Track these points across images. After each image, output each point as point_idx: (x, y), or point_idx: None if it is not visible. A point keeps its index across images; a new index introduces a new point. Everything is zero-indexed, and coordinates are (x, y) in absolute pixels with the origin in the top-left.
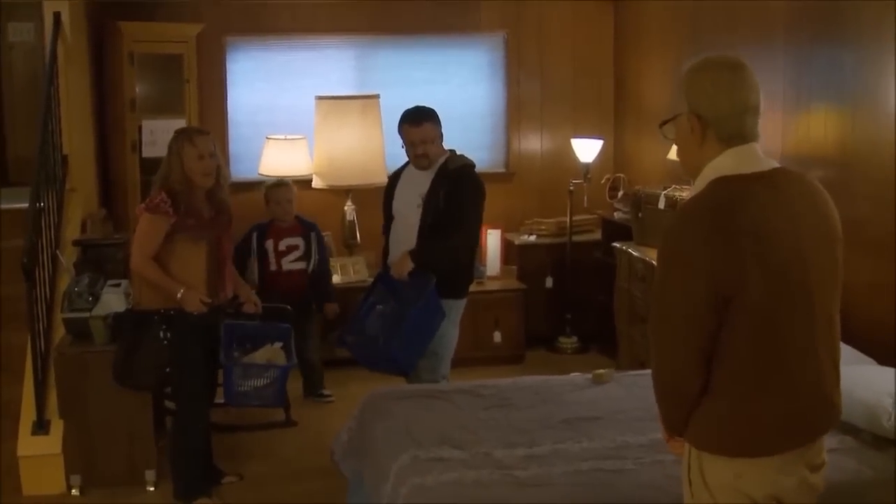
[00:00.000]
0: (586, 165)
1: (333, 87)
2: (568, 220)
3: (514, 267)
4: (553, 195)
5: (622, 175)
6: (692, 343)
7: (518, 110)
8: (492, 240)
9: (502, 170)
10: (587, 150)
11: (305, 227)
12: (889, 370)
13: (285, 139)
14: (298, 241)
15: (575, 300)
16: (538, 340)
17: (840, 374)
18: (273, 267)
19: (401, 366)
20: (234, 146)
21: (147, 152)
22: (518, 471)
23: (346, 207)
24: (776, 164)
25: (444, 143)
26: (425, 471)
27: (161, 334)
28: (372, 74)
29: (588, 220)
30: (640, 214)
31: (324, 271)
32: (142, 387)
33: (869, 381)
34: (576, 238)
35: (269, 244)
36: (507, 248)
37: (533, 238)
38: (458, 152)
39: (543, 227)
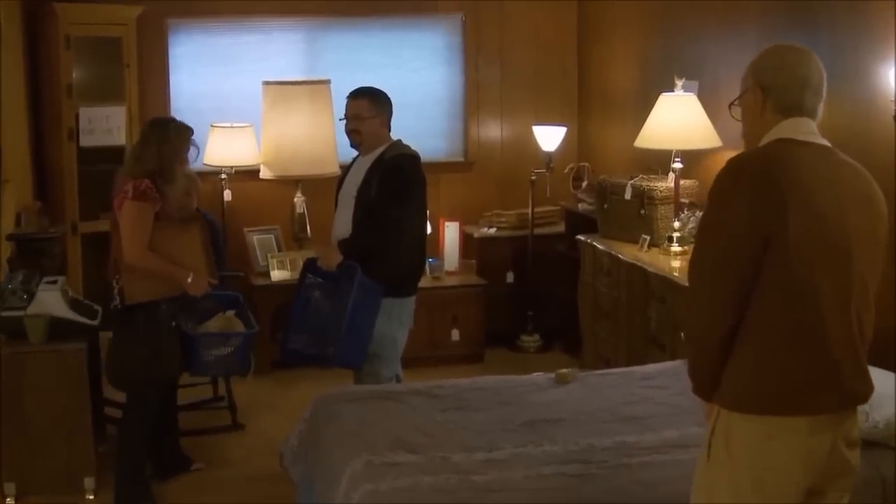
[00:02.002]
0: (549, 154)
1: (281, 71)
2: (530, 211)
3: (473, 261)
4: (514, 185)
5: (586, 164)
6: (728, 284)
7: (477, 96)
8: (450, 233)
9: (460, 159)
10: (550, 137)
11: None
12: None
13: (231, 127)
14: None
15: (537, 296)
16: (498, 338)
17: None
18: None
19: (350, 361)
20: None
21: (85, 141)
22: (477, 476)
23: (295, 199)
24: (827, 143)
25: (391, 132)
26: (379, 476)
27: (174, 323)
28: (322, 58)
29: (551, 212)
30: (605, 205)
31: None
32: (172, 379)
33: None
34: (538, 231)
35: None
36: (466, 241)
37: (493, 231)
38: (404, 142)
39: (504, 220)
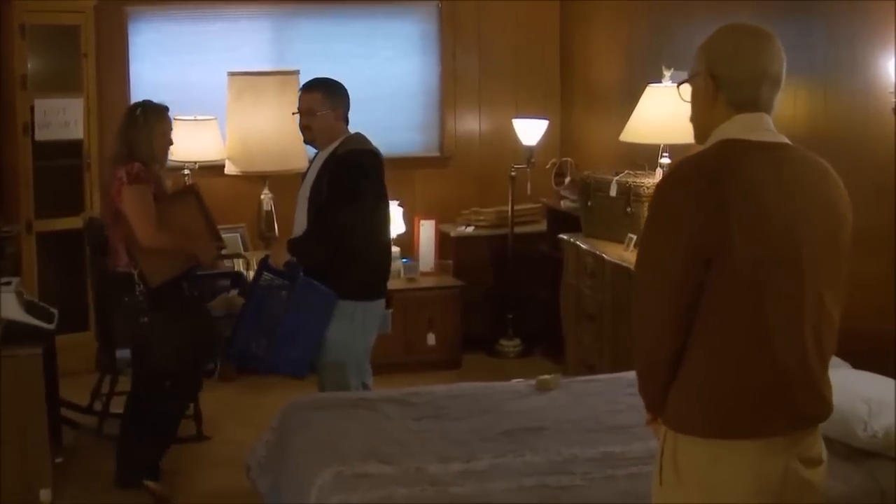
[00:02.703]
0: (530, 149)
1: (248, 62)
2: (509, 209)
3: (450, 262)
4: (493, 182)
5: (569, 159)
6: (671, 303)
7: (454, 87)
8: (425, 231)
9: (436, 154)
10: (531, 131)
11: None
12: (864, 374)
13: (194, 120)
14: None
15: (517, 298)
16: (476, 343)
17: (828, 365)
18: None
19: (286, 368)
20: None
21: (41, 135)
22: (454, 487)
23: (262, 196)
24: (786, 140)
25: (351, 125)
26: (350, 488)
27: (196, 293)
28: (290, 48)
29: (532, 210)
30: (589, 203)
31: None
32: (212, 351)
33: (841, 386)
34: (518, 229)
35: None
36: (443, 240)
37: (471, 230)
38: (365, 135)
39: (482, 218)
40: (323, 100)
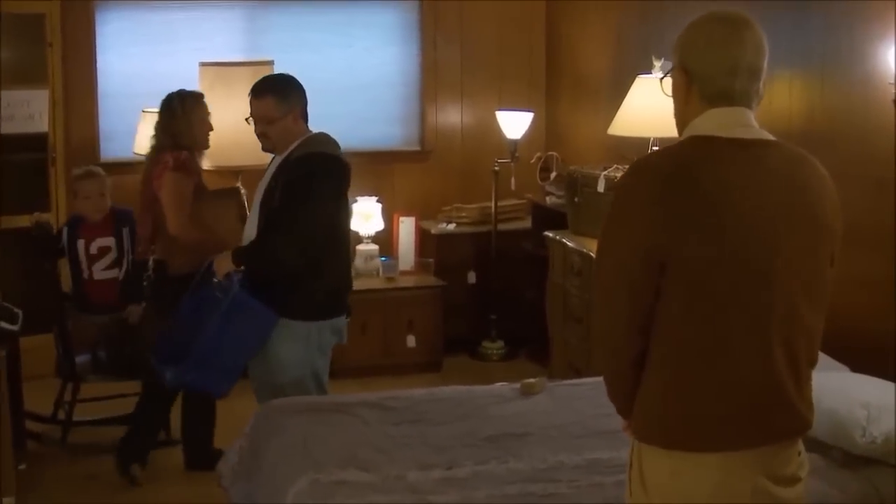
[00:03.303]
0: (514, 142)
1: (220, 51)
2: (493, 205)
3: (431, 260)
4: (475, 177)
5: (555, 153)
6: (630, 305)
7: (435, 78)
8: (405, 229)
9: (416, 148)
10: (515, 124)
11: (118, 222)
12: (863, 377)
13: None
14: (110, 241)
15: (501, 298)
16: (458, 345)
17: (807, 377)
18: (85, 274)
19: (200, 385)
20: (104, 121)
21: (4, 128)
22: (435, 496)
23: None
24: (767, 136)
25: (311, 124)
26: (327, 496)
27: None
28: (264, 37)
29: (516, 206)
30: (576, 199)
31: (137, 273)
32: None
33: (839, 389)
34: (502, 226)
35: (81, 245)
36: (423, 238)
37: (452, 227)
38: (325, 136)
39: (464, 214)
40: (277, 105)
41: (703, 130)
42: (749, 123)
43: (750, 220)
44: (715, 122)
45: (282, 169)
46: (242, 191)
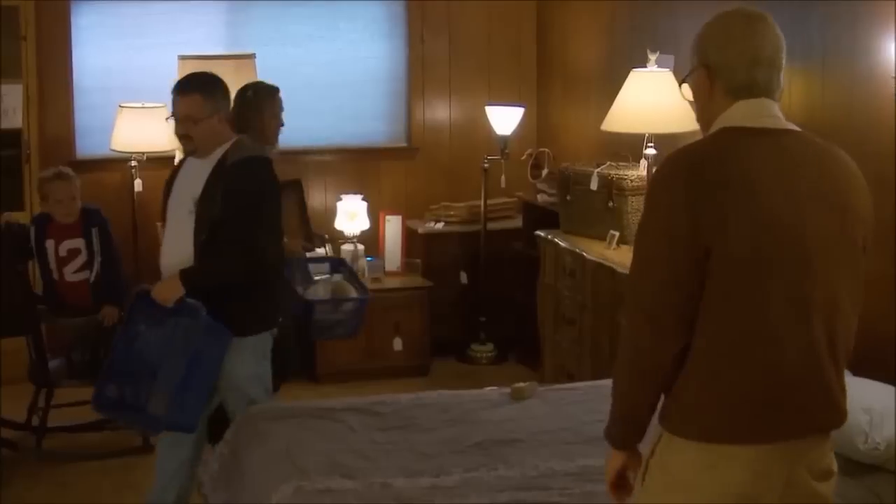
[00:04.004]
0: (504, 139)
1: (200, 44)
2: (482, 204)
3: (418, 261)
4: (464, 174)
5: (547, 150)
6: (671, 298)
7: (422, 73)
8: (391, 228)
9: (403, 144)
10: (505, 119)
11: (87, 222)
12: (865, 381)
13: (142, 108)
14: (80, 242)
15: (490, 300)
16: (446, 348)
17: (843, 369)
18: (55, 275)
19: (182, 423)
20: (80, 117)
21: None
22: None
23: None
24: (793, 126)
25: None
26: None
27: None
28: (246, 30)
29: (506, 205)
30: (568, 197)
31: (110, 273)
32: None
33: None
34: (491, 226)
35: (50, 245)
36: (410, 237)
37: (440, 226)
38: (248, 140)
39: (453, 213)
40: (204, 104)
41: (733, 122)
42: (775, 114)
43: (783, 206)
44: (743, 113)
45: (218, 175)
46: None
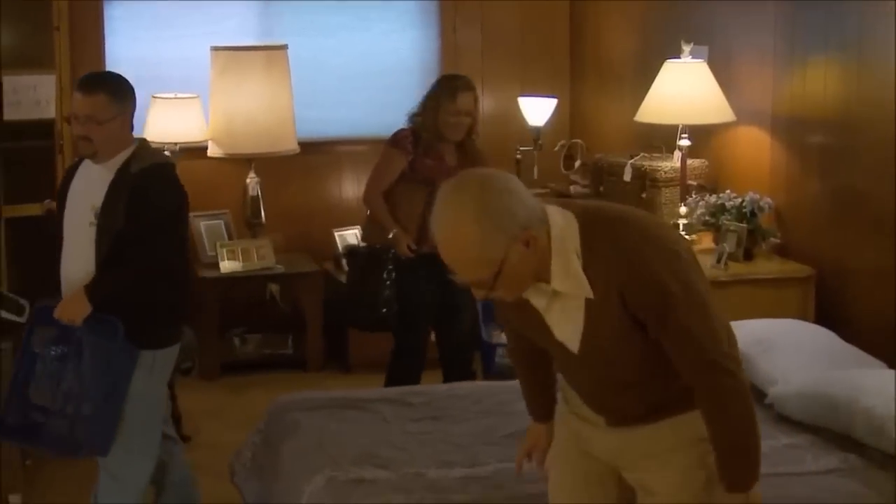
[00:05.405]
0: (537, 129)
1: (232, 35)
2: None
3: None
4: (497, 165)
5: (580, 141)
6: (722, 319)
7: (454, 63)
8: None
9: None
10: (538, 110)
11: None
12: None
13: (175, 98)
14: None
15: None
16: (478, 339)
17: None
18: None
19: (99, 447)
20: None
21: (10, 114)
22: (456, 494)
23: (248, 180)
24: None
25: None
26: (344, 494)
27: (385, 275)
28: (278, 20)
29: (539, 196)
30: (601, 188)
31: None
32: (360, 325)
33: (876, 387)
34: None
35: None
36: None
37: None
38: (148, 142)
39: None
40: (109, 104)
41: None
42: None
43: None
44: None
45: (121, 184)
46: None
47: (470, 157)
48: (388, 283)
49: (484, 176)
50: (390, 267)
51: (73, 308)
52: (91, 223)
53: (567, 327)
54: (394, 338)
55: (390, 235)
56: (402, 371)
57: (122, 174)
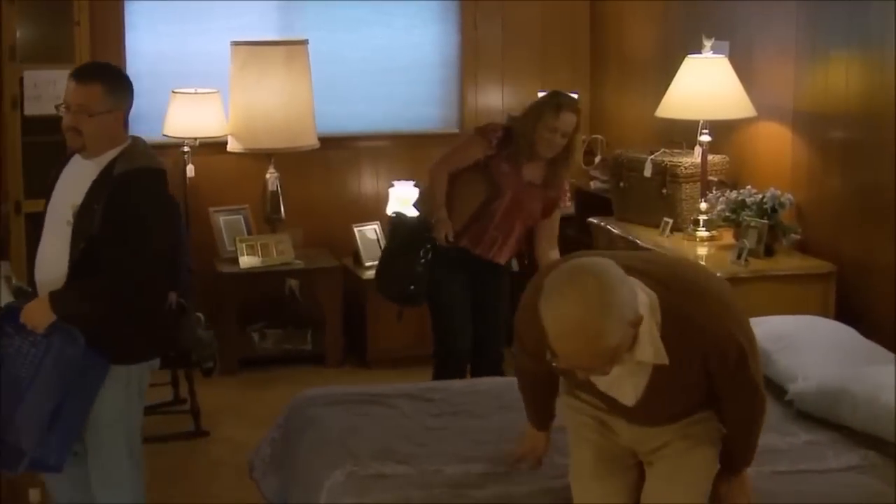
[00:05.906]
0: None
1: (252, 30)
2: None
3: None
4: None
5: (600, 136)
6: None
7: (475, 58)
8: None
9: (455, 130)
10: None
11: None
12: None
13: (195, 93)
14: None
15: None
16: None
17: None
18: None
19: (50, 463)
20: (134, 102)
21: (30, 109)
22: (475, 490)
23: (267, 175)
24: None
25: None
26: (363, 490)
27: (422, 252)
28: (299, 15)
29: None
30: (621, 184)
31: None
32: (389, 296)
33: (890, 384)
34: None
35: None
36: None
37: None
38: (143, 142)
39: None
40: (104, 96)
41: None
42: None
43: None
44: None
45: (102, 185)
46: None
47: (548, 178)
48: (422, 260)
49: (596, 268)
50: (428, 246)
51: (36, 315)
52: (68, 222)
53: (627, 388)
54: (433, 336)
55: (433, 220)
56: (446, 373)
57: (104, 174)
